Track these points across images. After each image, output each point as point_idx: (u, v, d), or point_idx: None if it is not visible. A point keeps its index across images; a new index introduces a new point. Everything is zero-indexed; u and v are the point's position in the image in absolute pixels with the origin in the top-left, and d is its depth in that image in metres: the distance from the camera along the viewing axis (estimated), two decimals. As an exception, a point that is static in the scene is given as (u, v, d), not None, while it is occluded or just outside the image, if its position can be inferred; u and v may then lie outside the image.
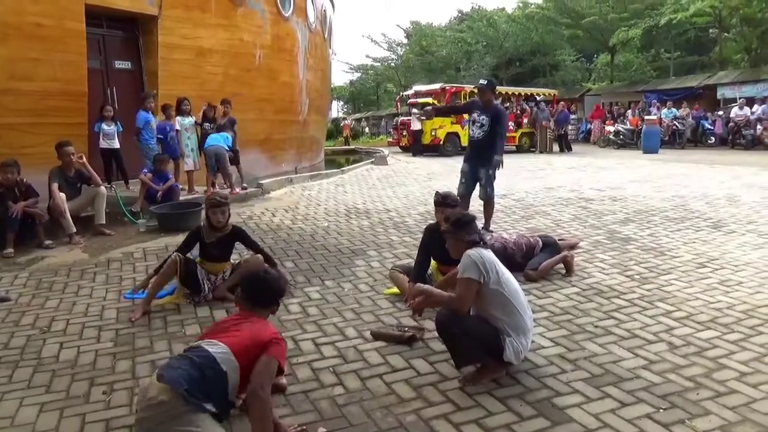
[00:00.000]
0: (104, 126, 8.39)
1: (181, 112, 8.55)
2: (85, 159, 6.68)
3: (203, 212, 7.01)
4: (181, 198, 7.81)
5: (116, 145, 8.58)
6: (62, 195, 6.25)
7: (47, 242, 6.11)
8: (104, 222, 6.68)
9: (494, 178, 6.33)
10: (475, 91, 6.36)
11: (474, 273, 2.98)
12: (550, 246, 4.99)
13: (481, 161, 6.27)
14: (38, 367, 3.40)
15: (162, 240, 6.43)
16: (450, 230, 3.21)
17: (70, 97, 8.13)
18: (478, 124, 6.23)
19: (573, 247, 5.53)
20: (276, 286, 2.69)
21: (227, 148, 8.63)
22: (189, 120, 8.79)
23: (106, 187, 7.05)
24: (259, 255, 4.53)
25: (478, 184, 6.37)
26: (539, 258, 4.83)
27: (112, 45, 9.42)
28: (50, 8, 7.78)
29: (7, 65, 7.47)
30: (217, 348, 2.40)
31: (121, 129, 8.62)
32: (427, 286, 3.37)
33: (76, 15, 8.12)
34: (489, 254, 3.09)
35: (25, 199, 5.98)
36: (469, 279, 2.99)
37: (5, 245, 5.81)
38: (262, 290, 2.65)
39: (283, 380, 3.02)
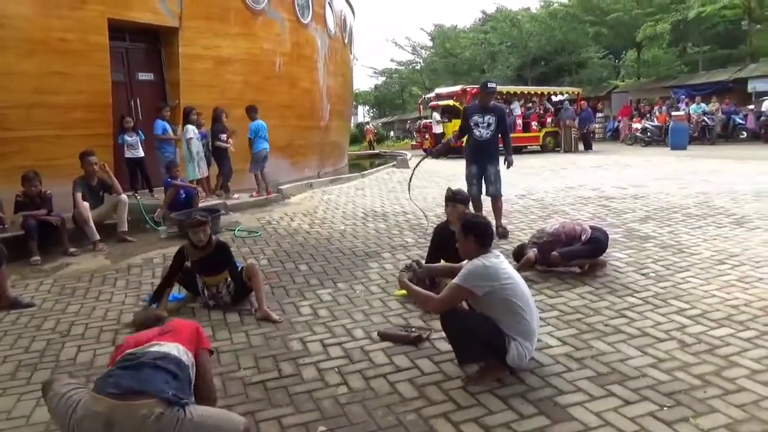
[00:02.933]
0: (127, 137, 8.63)
1: (189, 121, 8.69)
2: (107, 167, 6.88)
3: (221, 218, 7.26)
4: (200, 204, 7.95)
5: (140, 153, 8.84)
6: (86, 204, 6.46)
7: (72, 249, 6.31)
8: (126, 229, 6.86)
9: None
10: (493, 89, 6.56)
11: (470, 283, 2.97)
12: (596, 243, 4.74)
13: (489, 160, 6.40)
14: (56, 369, 3.52)
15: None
16: (461, 231, 3.21)
17: (95, 109, 8.39)
18: (485, 125, 6.33)
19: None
20: None
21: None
22: (195, 129, 8.86)
23: (128, 195, 7.24)
24: (254, 262, 4.55)
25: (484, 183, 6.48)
26: (576, 250, 4.69)
27: (135, 57, 9.68)
28: (74, 23, 8.06)
29: (34, 80, 7.75)
30: (169, 347, 2.46)
31: (144, 138, 8.85)
32: (409, 284, 3.38)
33: (100, 29, 8.38)
34: (496, 262, 3.06)
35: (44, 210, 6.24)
36: (459, 287, 2.99)
37: (32, 254, 6.02)
38: None
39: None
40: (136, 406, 2.13)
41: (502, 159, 6.54)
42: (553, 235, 4.82)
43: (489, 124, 6.32)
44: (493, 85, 6.47)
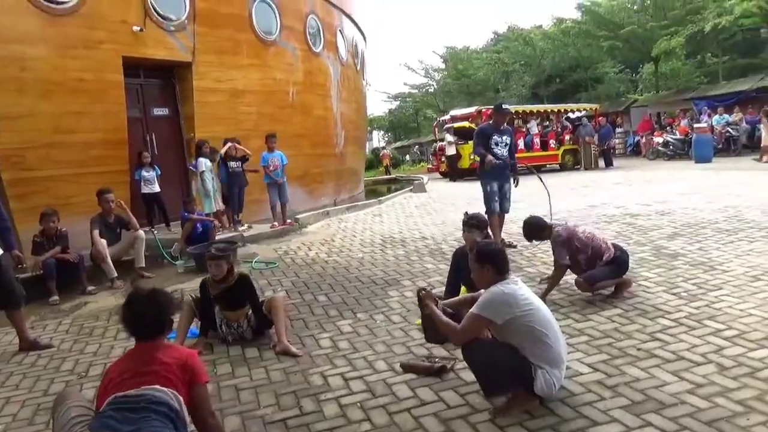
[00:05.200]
0: (144, 173, 8.77)
1: (202, 153, 8.77)
2: (124, 204, 6.97)
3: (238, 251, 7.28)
4: (217, 237, 8.00)
5: (157, 189, 8.95)
6: (103, 241, 6.54)
7: (90, 288, 6.38)
8: (144, 265, 6.93)
9: None
10: (509, 111, 7.30)
11: (488, 312, 2.91)
12: (620, 264, 4.65)
13: (506, 177, 6.91)
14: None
15: (199, 280, 6.55)
16: (475, 261, 3.16)
17: (111, 146, 8.55)
18: (503, 144, 6.80)
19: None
20: (169, 306, 2.61)
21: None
22: (207, 162, 8.92)
23: (144, 231, 7.32)
24: (282, 294, 4.54)
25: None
26: (600, 272, 4.57)
27: (149, 93, 9.88)
28: (90, 63, 8.26)
29: (52, 120, 7.93)
30: (159, 391, 2.38)
31: (160, 173, 8.98)
32: (435, 311, 3.31)
33: (115, 67, 8.59)
34: (515, 288, 3.00)
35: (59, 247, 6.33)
36: (478, 316, 2.93)
37: (50, 294, 6.08)
38: (159, 317, 2.55)
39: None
40: None
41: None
42: (583, 243, 4.63)
43: (506, 144, 6.83)
44: (508, 106, 7.04)
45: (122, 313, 2.56)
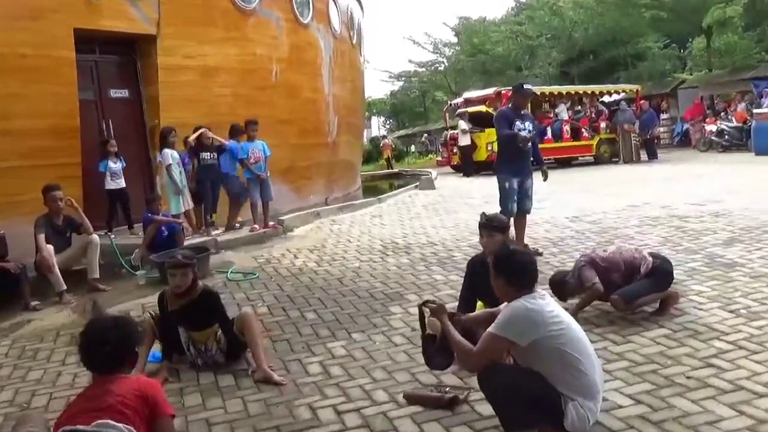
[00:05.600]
0: (110, 164, 8.76)
1: (168, 143, 8.75)
2: (75, 203, 6.96)
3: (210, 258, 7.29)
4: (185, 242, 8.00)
5: (123, 183, 8.98)
6: (50, 247, 6.51)
7: (34, 303, 6.36)
8: (98, 276, 6.91)
9: None
10: (531, 91, 7.49)
11: (509, 332, 2.89)
12: (661, 275, 4.63)
13: (529, 171, 6.96)
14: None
15: (165, 293, 6.59)
16: (495, 269, 3.13)
17: (60, 135, 8.57)
18: (526, 132, 6.79)
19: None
20: (133, 337, 2.71)
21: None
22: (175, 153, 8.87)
23: (99, 235, 7.30)
24: (248, 310, 4.54)
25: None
26: (639, 286, 4.56)
27: (106, 72, 9.90)
28: (35, 36, 8.24)
29: (-11, 103, 7.93)
30: (112, 428, 2.40)
31: (125, 165, 8.97)
32: (450, 328, 3.26)
33: (65, 42, 8.57)
34: (542, 304, 2.97)
35: None
36: (497, 337, 2.91)
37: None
38: (120, 349, 2.63)
39: None
40: None
41: None
42: (609, 261, 4.69)
43: (529, 131, 6.83)
44: (530, 86, 7.10)
45: (79, 342, 2.66)
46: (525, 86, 7.05)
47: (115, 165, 8.85)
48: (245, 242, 8.77)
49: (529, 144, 6.85)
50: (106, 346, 2.57)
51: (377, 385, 3.91)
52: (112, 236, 8.15)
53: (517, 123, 6.80)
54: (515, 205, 6.86)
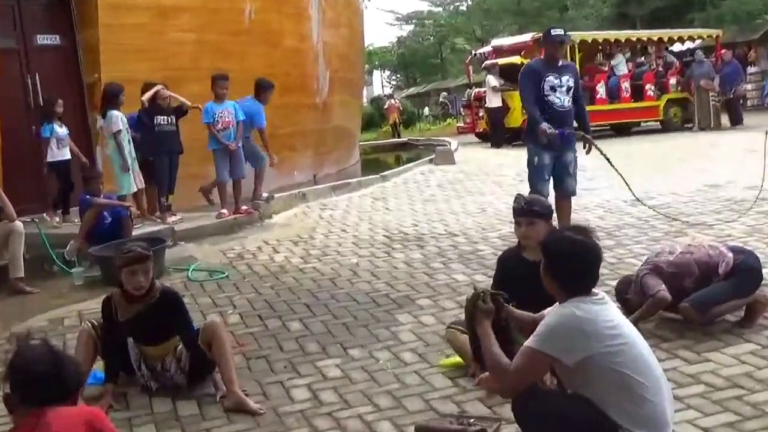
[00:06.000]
0: (56, 128, 8.71)
1: (114, 104, 8.71)
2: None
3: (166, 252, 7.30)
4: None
5: (69, 154, 8.99)
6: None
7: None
8: (22, 275, 6.91)
9: None
10: (564, 38, 7.09)
11: (550, 346, 2.87)
12: (745, 274, 4.62)
13: (568, 143, 6.91)
14: None
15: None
16: (545, 263, 3.11)
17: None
18: (563, 89, 6.74)
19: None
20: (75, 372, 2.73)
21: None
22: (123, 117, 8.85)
23: (24, 222, 7.31)
24: (216, 319, 4.58)
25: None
26: (716, 290, 4.58)
27: (31, 13, 9.87)
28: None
29: None
30: None
31: (69, 132, 8.99)
32: (489, 333, 3.23)
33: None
34: (596, 311, 2.95)
35: None
36: (536, 352, 2.90)
37: None
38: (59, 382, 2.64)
39: None
40: None
41: None
42: (677, 265, 4.70)
43: (569, 88, 6.75)
44: (561, 31, 6.94)
45: (8, 370, 2.66)
46: (553, 32, 6.92)
47: (62, 129, 8.83)
48: (211, 232, 8.81)
49: (567, 106, 6.76)
50: (46, 376, 2.57)
51: (381, 415, 3.91)
52: (38, 222, 8.08)
53: (550, 78, 6.69)
54: (548, 186, 6.85)
